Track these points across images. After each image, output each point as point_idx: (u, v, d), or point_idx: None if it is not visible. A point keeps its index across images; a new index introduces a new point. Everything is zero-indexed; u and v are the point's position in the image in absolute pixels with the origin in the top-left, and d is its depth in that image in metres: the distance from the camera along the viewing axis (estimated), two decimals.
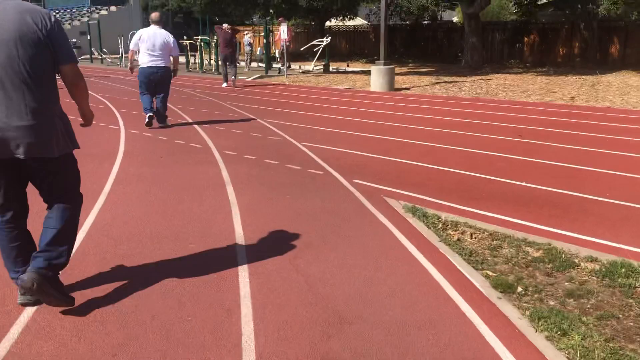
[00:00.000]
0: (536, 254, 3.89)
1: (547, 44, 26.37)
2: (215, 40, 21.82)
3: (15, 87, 2.71)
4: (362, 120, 9.81)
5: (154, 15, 9.01)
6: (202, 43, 22.44)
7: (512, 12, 40.88)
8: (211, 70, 22.24)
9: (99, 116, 9.67)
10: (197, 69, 22.75)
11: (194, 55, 26.15)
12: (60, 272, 2.98)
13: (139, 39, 8.66)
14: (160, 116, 8.97)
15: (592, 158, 6.73)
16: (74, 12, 44.16)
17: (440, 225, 4.40)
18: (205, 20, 31.37)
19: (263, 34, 25.12)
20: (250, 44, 24.57)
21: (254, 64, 25.46)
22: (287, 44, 21.38)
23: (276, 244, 3.99)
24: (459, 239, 4.16)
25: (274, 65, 24.07)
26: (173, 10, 43.81)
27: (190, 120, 9.80)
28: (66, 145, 2.93)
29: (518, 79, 17.82)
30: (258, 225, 4.34)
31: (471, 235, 4.24)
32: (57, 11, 44.83)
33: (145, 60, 8.63)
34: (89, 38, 30.96)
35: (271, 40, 24.83)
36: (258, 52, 27.19)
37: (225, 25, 17.56)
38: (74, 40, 34.96)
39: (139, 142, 7.82)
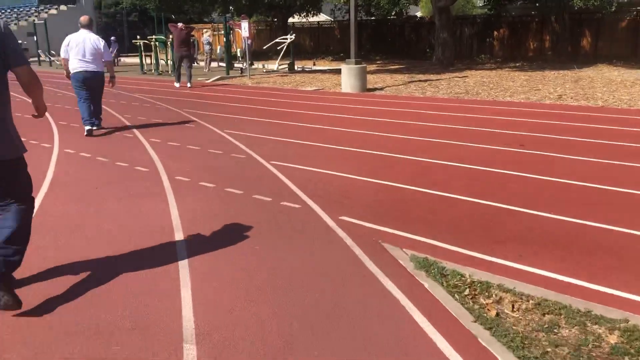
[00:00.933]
0: (613, 339, 2.75)
1: (518, 38, 25.68)
2: (171, 40, 20.31)
3: None
4: (338, 129, 8.60)
5: (83, 18, 8.55)
6: (157, 43, 20.86)
7: (478, 6, 40.42)
8: (167, 72, 20.69)
9: (31, 132, 8.21)
10: (153, 71, 21.17)
11: (149, 56, 24.55)
12: (12, 272, 3.05)
13: (67, 45, 8.31)
14: (96, 117, 8.69)
15: (623, 175, 5.67)
16: (20, 11, 41.65)
17: (467, 291, 3.22)
18: (161, 18, 29.66)
19: (223, 32, 23.68)
20: (209, 43, 23.10)
21: (214, 64, 23.99)
22: (249, 42, 20.04)
23: (243, 345, 2.74)
24: (497, 314, 2.99)
25: (236, 65, 22.68)
26: (127, 8, 41.87)
27: (138, 135, 8.41)
28: (19, 148, 3.03)
29: (494, 76, 16.91)
30: (217, 314, 3.07)
31: (512, 305, 3.08)
32: (2, 11, 42.27)
33: (75, 65, 8.29)
34: (35, 39, 28.91)
35: (232, 38, 23.39)
36: (218, 52, 25.70)
37: (180, 24, 16.31)
38: (20, 41, 32.72)
39: (72, 165, 6.43)
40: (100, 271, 3.51)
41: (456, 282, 3.33)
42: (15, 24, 37.77)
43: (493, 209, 4.65)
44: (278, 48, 22.22)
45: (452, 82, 15.46)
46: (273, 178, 5.72)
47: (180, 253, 3.78)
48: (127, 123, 9.53)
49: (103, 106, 9.28)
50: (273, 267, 3.53)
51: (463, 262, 3.60)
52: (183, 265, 3.57)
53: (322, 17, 38.98)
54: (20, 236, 3.04)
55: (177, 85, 15.94)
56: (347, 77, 14.03)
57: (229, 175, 5.85)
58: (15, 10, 42.42)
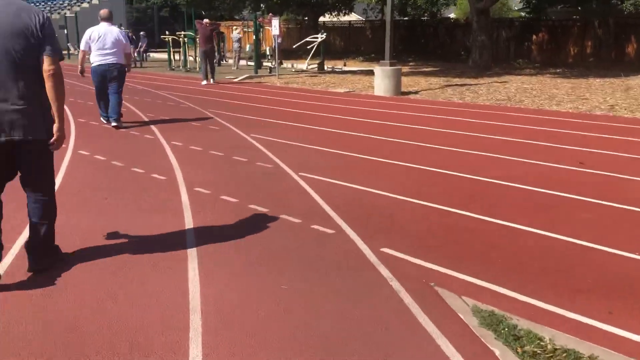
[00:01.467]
0: None
1: (557, 43, 24.58)
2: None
3: (10, 75, 3.05)
4: (373, 137, 7.92)
5: (103, 12, 8.59)
6: (185, 39, 20.41)
7: (515, 9, 39.24)
8: (195, 69, 20.24)
9: None
10: (180, 68, 20.74)
11: (178, 52, 24.18)
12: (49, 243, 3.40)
13: (89, 39, 8.30)
14: (115, 115, 8.52)
15: None
16: (54, 4, 41.80)
17: None
18: (191, 14, 29.26)
19: (252, 29, 23.15)
20: (238, 40, 22.60)
21: (242, 62, 23.48)
22: (279, 40, 19.47)
23: None
24: None
25: (265, 64, 22.13)
26: (158, 3, 41.73)
27: (159, 135, 7.86)
28: (49, 130, 3.19)
29: (536, 82, 15.99)
30: None
31: None
32: (37, 4, 42.53)
33: (97, 59, 8.32)
34: (66, 32, 28.78)
35: (261, 36, 22.85)
36: (247, 49, 25.20)
37: (205, 21, 16.07)
38: None
39: (84, 170, 5.89)
40: (93, 303, 2.90)
41: (534, 349, 2.63)
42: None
43: (563, 244, 3.92)
44: (308, 47, 21.58)
45: (491, 87, 14.62)
46: (302, 194, 5.07)
47: (192, 291, 3.15)
48: (149, 122, 8.99)
49: (126, 103, 8.82)
50: (304, 320, 2.86)
51: (537, 318, 2.90)
52: (195, 310, 2.94)
53: (353, 17, 38.31)
54: (50, 212, 3.39)
55: (204, 83, 15.73)
56: (381, 79, 13.32)
57: (254, 189, 5.22)
58: (50, 3, 42.65)
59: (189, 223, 4.26)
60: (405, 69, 21.59)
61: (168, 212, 4.53)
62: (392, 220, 4.36)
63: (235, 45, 22.65)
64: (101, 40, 8.17)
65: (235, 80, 17.14)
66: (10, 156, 3.19)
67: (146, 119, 9.34)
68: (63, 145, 3.39)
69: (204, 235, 3.99)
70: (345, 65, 22.23)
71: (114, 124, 8.42)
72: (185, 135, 7.87)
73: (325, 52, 21.98)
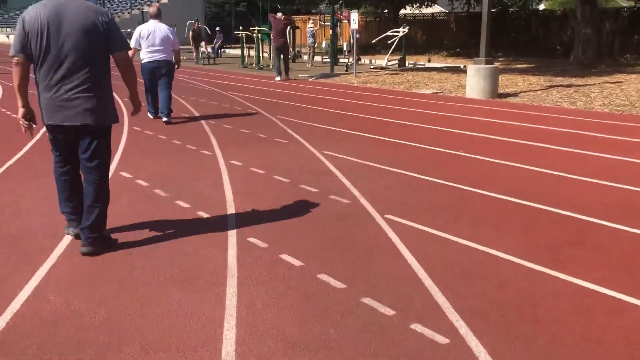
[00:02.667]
0: None
1: None
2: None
3: (80, 67, 3.46)
4: (480, 158, 6.35)
5: (153, 9, 8.73)
6: (259, 35, 19.40)
7: None
8: (269, 67, 19.19)
9: None
10: (254, 65, 19.78)
11: (251, 48, 23.30)
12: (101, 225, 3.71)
13: (139, 36, 8.46)
14: (166, 111, 8.65)
15: None
16: (134, 0, 42.42)
17: None
18: (267, 9, 28.39)
19: (329, 23, 21.85)
20: (312, 35, 21.34)
21: (317, 59, 22.25)
22: (357, 35, 18.04)
23: None
24: None
25: (341, 60, 20.77)
26: None
27: (217, 151, 6.68)
28: (113, 117, 3.70)
29: None
30: None
31: None
32: (111, 3, 43.36)
33: (146, 55, 8.46)
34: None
35: (339, 31, 21.47)
36: (323, 45, 23.92)
37: (279, 15, 15.08)
38: (129, 30, 33.02)
39: (119, 202, 4.74)
40: None
41: None
42: (128, 12, 38.39)
43: None
44: (389, 42, 19.99)
45: (604, 89, 12.50)
46: (393, 254, 3.65)
47: None
48: (209, 133, 7.85)
49: (189, 106, 7.84)
50: None
51: None
52: None
53: (436, 9, 36.18)
54: (103, 196, 3.70)
55: (277, 79, 15.36)
56: (476, 79, 11.60)
57: (325, 241, 3.86)
58: (122, 2, 43.35)
59: (231, 306, 2.95)
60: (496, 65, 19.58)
61: (202, 281, 3.24)
62: (546, 320, 2.84)
63: (310, 40, 21.43)
64: (150, 38, 8.38)
65: (310, 79, 15.88)
66: (78, 139, 3.58)
67: (207, 129, 8.22)
68: None
69: (248, 334, 2.66)
70: (429, 61, 20.46)
71: (164, 119, 8.62)
72: (248, 152, 6.63)
73: (406, 46, 20.30)
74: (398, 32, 19.89)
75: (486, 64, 11.58)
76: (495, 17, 28.33)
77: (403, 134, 7.74)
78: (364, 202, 4.75)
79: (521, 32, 26.96)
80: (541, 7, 36.48)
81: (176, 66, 8.83)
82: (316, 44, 25.08)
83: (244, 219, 4.32)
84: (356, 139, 7.47)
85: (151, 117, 8.97)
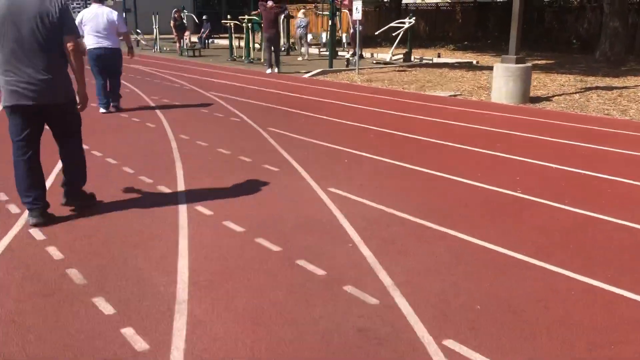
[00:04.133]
0: None
1: None
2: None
3: (36, 51, 3.71)
4: (535, 201, 4.51)
5: None
6: (250, 24, 17.42)
7: None
8: (260, 60, 17.22)
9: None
10: (243, 58, 17.81)
11: (241, 39, 21.35)
12: (77, 191, 4.18)
13: (81, 22, 7.89)
14: (114, 97, 8.59)
15: None
16: None
17: None
18: None
19: (327, 13, 19.89)
20: (305, 26, 19.33)
21: (314, 50, 20.30)
22: (360, 27, 16.15)
23: None
24: None
25: (339, 53, 18.86)
26: None
27: (179, 191, 4.80)
28: (71, 93, 3.97)
29: None
30: None
31: None
32: None
33: (91, 42, 7.98)
34: (126, 14, 26.48)
35: (337, 22, 19.48)
36: (322, 37, 21.90)
37: (269, 3, 14.13)
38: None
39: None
40: None
41: None
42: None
43: None
44: (393, 34, 18.09)
45: None
46: None
47: None
48: (175, 153, 5.97)
49: (158, 113, 5.88)
50: None
51: None
52: None
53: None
54: (81, 166, 4.18)
55: (268, 71, 14.38)
56: (503, 80, 9.75)
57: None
58: None
59: None
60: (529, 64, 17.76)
61: None
62: None
63: (300, 31, 19.40)
64: (93, 23, 7.86)
65: (306, 76, 13.97)
66: (39, 117, 3.85)
67: (174, 147, 6.33)
68: None
69: None
70: (439, 56, 18.56)
71: (113, 103, 8.52)
72: (223, 192, 4.77)
73: (406, 40, 18.40)
74: (404, 23, 17.99)
75: (517, 62, 9.73)
76: (506, 8, 26.49)
77: (422, 157, 5.89)
78: (397, 297, 2.91)
79: (534, 25, 25.10)
80: None
81: (129, 52, 8.53)
82: (311, 35, 23.13)
83: (206, 314, 2.46)
84: (371, 166, 5.62)
85: (103, 111, 8.39)
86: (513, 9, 9.80)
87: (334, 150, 6.24)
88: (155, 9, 22.89)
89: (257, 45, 19.99)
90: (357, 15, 13.67)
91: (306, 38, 19.48)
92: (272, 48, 14.32)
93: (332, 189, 4.81)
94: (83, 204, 4.23)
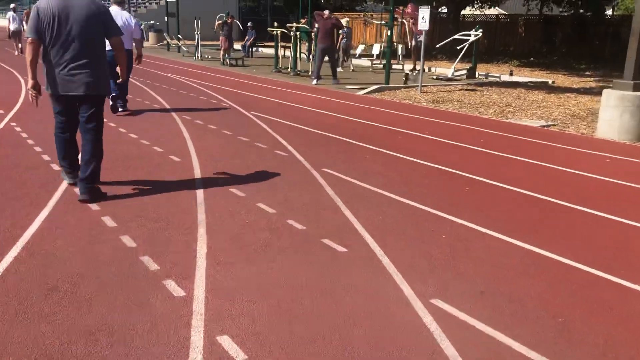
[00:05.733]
0: None
1: None
2: (315, 30, 15.18)
3: (83, 49, 4.26)
4: None
5: None
6: (297, 33, 15.81)
7: None
8: (307, 73, 15.56)
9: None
10: (289, 70, 16.19)
11: (287, 48, 19.82)
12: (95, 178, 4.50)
13: None
14: (121, 97, 8.44)
15: None
16: None
17: None
18: (307, 3, 24.78)
19: (384, 23, 18.13)
20: (346, 34, 17.59)
21: (361, 62, 18.52)
22: (420, 38, 14.37)
23: None
24: None
25: (394, 67, 17.05)
26: None
27: (196, 280, 3.09)
28: (107, 89, 4.54)
29: None
30: None
31: None
32: None
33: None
34: (168, 19, 25.31)
35: (395, 32, 17.65)
36: (360, 48, 20.08)
37: (326, 12, 13.27)
38: (152, 22, 29.89)
39: None
40: None
41: None
42: (156, 3, 35.27)
43: None
44: (458, 48, 16.19)
45: None
46: None
47: None
48: (202, 211, 4.28)
49: (186, 137, 4.28)
50: None
51: None
52: None
53: (495, 11, 32.07)
54: (98, 153, 4.50)
55: (314, 82, 13.59)
56: (617, 111, 7.77)
57: None
58: None
59: None
60: (581, 81, 15.67)
61: None
62: None
63: (344, 42, 17.67)
64: None
65: (360, 93, 12.22)
66: (77, 105, 4.41)
67: (199, 200, 4.66)
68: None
69: None
70: (511, 74, 16.52)
71: (120, 103, 8.43)
72: (255, 274, 3.05)
73: (467, 53, 16.45)
74: (469, 35, 16.10)
75: (635, 89, 7.73)
76: (575, 23, 24.23)
77: (564, 233, 4.03)
78: None
79: (607, 40, 22.76)
80: (609, 12, 31.93)
81: (137, 58, 8.15)
82: (362, 47, 21.40)
83: None
84: (483, 246, 3.80)
85: (120, 110, 8.49)
86: (633, 24, 7.80)
87: (420, 213, 4.44)
88: (197, 13, 21.57)
89: (303, 56, 18.38)
90: (424, 25, 11.85)
91: (346, 48, 17.80)
92: (328, 59, 13.63)
93: (439, 303, 3.01)
94: (94, 195, 4.46)
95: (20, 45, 19.17)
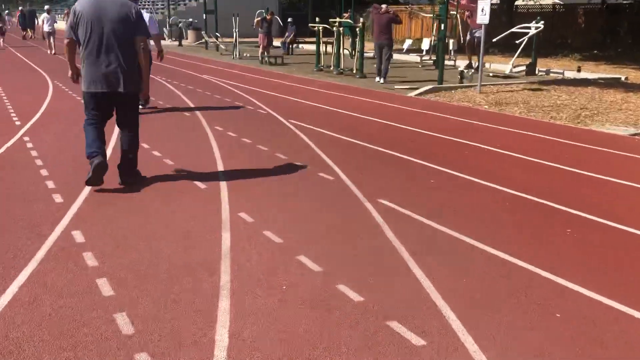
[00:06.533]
0: None
1: None
2: (361, 24, 14.05)
3: (115, 47, 4.49)
4: None
5: None
6: (341, 29, 14.70)
7: None
8: (352, 70, 14.43)
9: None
10: (332, 68, 15.11)
11: (329, 44, 18.72)
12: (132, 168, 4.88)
13: None
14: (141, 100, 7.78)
15: None
16: None
17: None
18: None
19: (434, 15, 16.82)
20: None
21: (409, 57, 17.27)
22: (477, 34, 13.11)
23: None
24: None
25: (445, 63, 15.72)
26: None
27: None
28: (139, 86, 4.74)
29: None
30: None
31: None
32: None
33: None
34: (216, 18, 24.46)
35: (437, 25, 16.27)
36: (408, 43, 18.75)
37: (383, 6, 12.60)
38: (191, 19, 29.21)
39: None
40: None
41: None
42: (196, 0, 34.70)
43: None
44: (517, 42, 14.76)
45: None
46: None
47: None
48: (227, 260, 3.26)
49: (215, 153, 3.26)
50: None
51: None
52: None
53: (552, 0, 30.08)
54: (134, 147, 4.84)
55: (378, 80, 12.72)
56: None
57: None
58: None
59: None
60: None
61: None
62: None
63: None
64: None
65: (412, 94, 11.04)
66: (108, 102, 4.64)
67: (225, 245, 3.66)
68: None
69: None
70: (579, 70, 14.98)
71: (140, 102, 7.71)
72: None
73: (524, 47, 14.99)
74: (529, 28, 14.64)
75: None
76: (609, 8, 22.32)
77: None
78: None
79: None
80: None
81: (158, 54, 7.89)
82: (409, 42, 20.12)
83: None
84: (617, 331, 2.65)
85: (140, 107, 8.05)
86: None
87: (517, 271, 3.31)
88: (237, 10, 20.65)
89: (346, 52, 17.24)
90: (484, 18, 10.57)
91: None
92: (384, 56, 12.52)
93: None
94: (133, 180, 4.82)
95: (53, 45, 19.76)
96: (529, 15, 25.65)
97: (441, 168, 5.63)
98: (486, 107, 9.62)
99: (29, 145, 6.32)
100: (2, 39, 23.42)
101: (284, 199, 4.60)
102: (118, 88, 4.54)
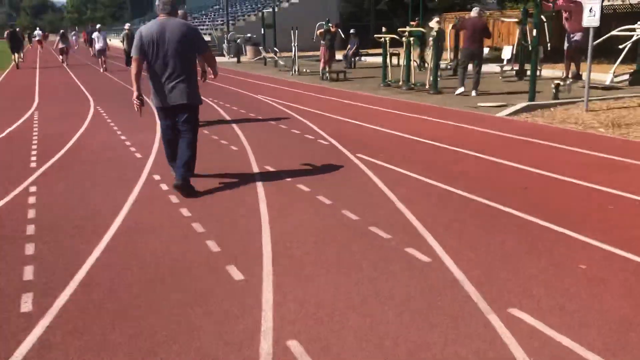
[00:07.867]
0: None
1: None
2: (433, 33, 12.27)
3: (178, 63, 4.96)
4: None
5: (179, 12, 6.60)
6: (411, 39, 12.99)
7: None
8: (424, 86, 12.67)
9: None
10: (400, 83, 13.39)
11: (395, 55, 17.07)
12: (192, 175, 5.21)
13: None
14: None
15: None
16: (266, 1, 37.68)
17: None
18: (418, 4, 21.80)
19: (510, 20, 14.82)
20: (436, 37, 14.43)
21: (493, 67, 15.31)
22: (575, 37, 11.12)
23: None
24: None
25: (527, 72, 13.70)
26: None
27: None
28: (199, 98, 5.22)
29: None
30: None
31: None
32: (245, 4, 39.26)
33: None
34: (274, 32, 23.33)
35: (521, 30, 14.16)
36: (504, 53, 16.74)
37: (475, 11, 11.44)
38: (249, 35, 28.19)
39: None
40: None
41: None
42: (255, 15, 33.89)
43: None
44: (620, 47, 12.58)
45: None
46: None
47: None
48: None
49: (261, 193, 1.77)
50: None
51: None
52: None
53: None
54: (192, 157, 5.18)
55: (459, 90, 11.41)
56: None
57: None
58: (248, 5, 38.88)
59: None
60: None
61: None
62: None
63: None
64: None
65: (501, 114, 9.19)
66: (176, 113, 5.11)
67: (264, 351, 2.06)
68: None
69: None
70: None
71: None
72: None
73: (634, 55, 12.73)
74: (632, 30, 12.44)
75: None
76: None
77: None
78: None
79: None
80: None
81: (202, 75, 6.36)
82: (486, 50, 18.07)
83: None
84: None
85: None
86: None
87: None
88: (295, 23, 19.35)
89: (414, 63, 15.49)
90: (592, 20, 8.63)
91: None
92: (472, 66, 11.38)
93: None
94: (187, 192, 5.02)
95: (104, 63, 20.11)
96: (608, 17, 22.93)
97: (589, 240, 3.83)
98: (602, 130, 7.67)
99: (31, 200, 5.01)
100: (62, 57, 23.89)
101: (351, 265, 2.96)
102: (183, 100, 5.01)
